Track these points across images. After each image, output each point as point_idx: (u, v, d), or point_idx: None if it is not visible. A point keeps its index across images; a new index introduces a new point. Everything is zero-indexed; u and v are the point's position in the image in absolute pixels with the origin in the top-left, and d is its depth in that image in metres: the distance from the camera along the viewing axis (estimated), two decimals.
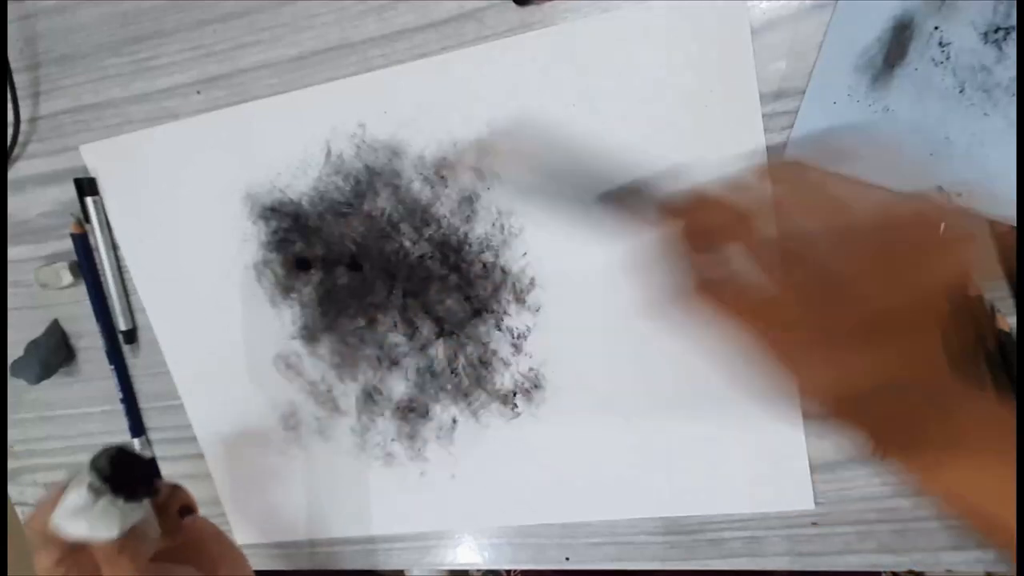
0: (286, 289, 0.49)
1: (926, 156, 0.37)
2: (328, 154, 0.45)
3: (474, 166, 0.44)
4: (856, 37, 0.37)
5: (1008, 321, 0.39)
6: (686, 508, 0.46)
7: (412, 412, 0.49)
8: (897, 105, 0.37)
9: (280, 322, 0.50)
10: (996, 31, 0.35)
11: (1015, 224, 0.37)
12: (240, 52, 0.45)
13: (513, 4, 0.40)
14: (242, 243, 0.49)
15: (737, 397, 0.44)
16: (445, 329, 0.47)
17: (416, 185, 0.45)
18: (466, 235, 0.45)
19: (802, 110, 0.38)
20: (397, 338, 0.48)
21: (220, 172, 0.48)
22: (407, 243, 0.46)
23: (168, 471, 0.56)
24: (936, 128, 0.37)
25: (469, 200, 0.44)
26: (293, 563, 0.56)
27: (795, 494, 0.44)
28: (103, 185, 0.50)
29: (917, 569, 0.45)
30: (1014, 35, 0.35)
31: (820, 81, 0.38)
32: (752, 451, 0.44)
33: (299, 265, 0.48)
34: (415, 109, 0.44)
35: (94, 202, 0.50)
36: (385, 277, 0.47)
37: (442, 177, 0.44)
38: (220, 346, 0.51)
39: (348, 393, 0.50)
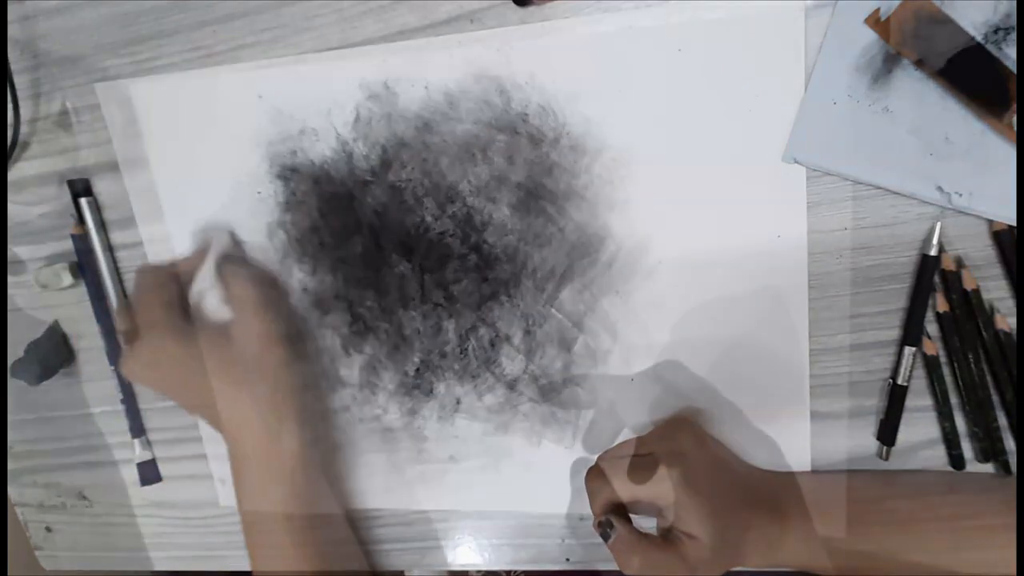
0: (299, 256, 0.48)
1: (926, 156, 0.37)
2: (357, 119, 0.44)
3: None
4: (856, 37, 0.37)
5: (1008, 321, 0.38)
6: None
7: (416, 389, 0.49)
8: (897, 105, 0.37)
9: (290, 290, 0.49)
10: (996, 31, 0.35)
11: (1015, 224, 0.37)
12: (240, 53, 0.45)
13: (513, 4, 0.40)
14: (258, 203, 0.48)
15: (740, 398, 0.44)
16: (459, 309, 0.46)
17: (444, 160, 0.44)
18: (491, 216, 0.44)
19: (802, 110, 0.38)
20: (409, 313, 0.47)
21: (243, 124, 0.46)
22: (429, 218, 0.45)
23: (168, 472, 0.56)
24: (936, 128, 0.37)
25: (498, 181, 0.44)
26: None
27: None
28: (143, 119, 0.48)
29: None
30: (1014, 35, 0.35)
31: (820, 81, 0.38)
32: (754, 451, 0.44)
33: (313, 232, 0.47)
34: (446, 83, 0.42)
35: (88, 203, 0.50)
36: (402, 250, 0.46)
37: (472, 155, 0.43)
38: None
39: (352, 365, 0.50)
